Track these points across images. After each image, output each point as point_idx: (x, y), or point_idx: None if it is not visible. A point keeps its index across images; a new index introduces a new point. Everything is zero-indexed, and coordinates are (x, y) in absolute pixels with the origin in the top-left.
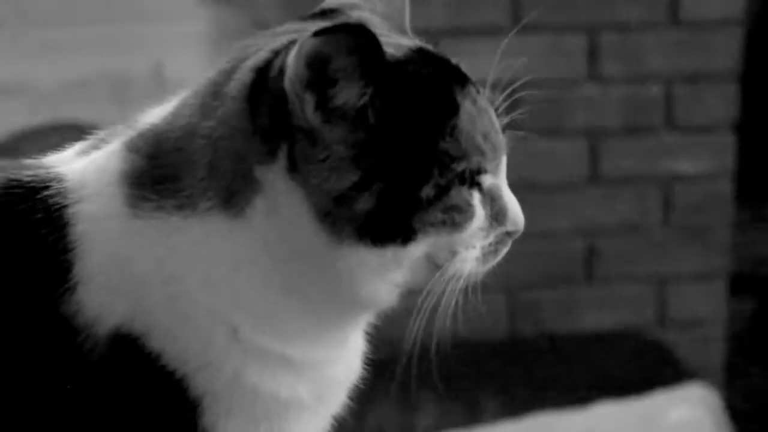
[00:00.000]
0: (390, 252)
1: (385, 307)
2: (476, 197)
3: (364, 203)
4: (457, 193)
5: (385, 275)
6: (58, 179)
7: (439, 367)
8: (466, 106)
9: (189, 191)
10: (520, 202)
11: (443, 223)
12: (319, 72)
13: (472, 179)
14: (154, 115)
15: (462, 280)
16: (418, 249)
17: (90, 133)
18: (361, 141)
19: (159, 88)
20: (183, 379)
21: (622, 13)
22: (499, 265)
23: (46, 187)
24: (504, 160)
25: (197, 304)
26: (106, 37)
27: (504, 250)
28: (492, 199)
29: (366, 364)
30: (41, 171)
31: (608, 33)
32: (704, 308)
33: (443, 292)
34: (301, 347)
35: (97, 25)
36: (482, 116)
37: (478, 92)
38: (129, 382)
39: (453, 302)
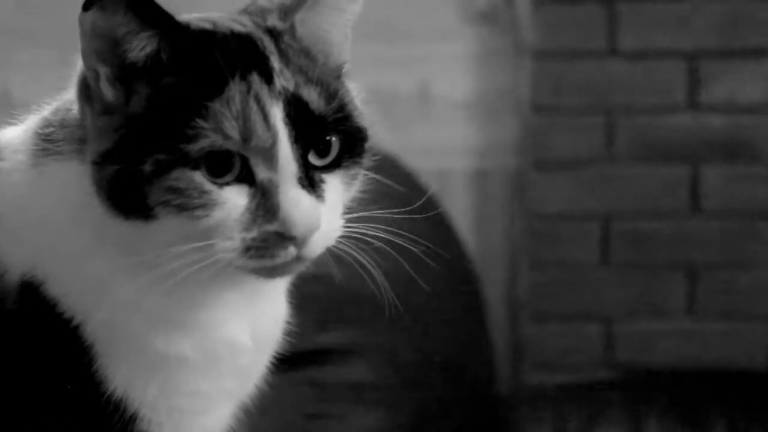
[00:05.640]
0: (139, 227)
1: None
2: (226, 188)
3: (107, 171)
4: (181, 175)
5: (146, 249)
6: None
7: (669, 394)
8: (232, 93)
9: (63, 139)
10: None
11: (169, 203)
12: (105, 40)
13: (215, 164)
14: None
15: (231, 268)
16: (163, 228)
17: None
18: (130, 112)
19: (423, 106)
20: (78, 326)
21: None
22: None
23: None
24: (283, 158)
25: (72, 248)
26: (372, 56)
27: (284, 254)
28: (263, 194)
29: (592, 385)
30: None
31: None
32: None
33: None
34: (163, 302)
35: (365, 45)
36: (250, 105)
37: (268, 83)
38: (35, 330)
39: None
